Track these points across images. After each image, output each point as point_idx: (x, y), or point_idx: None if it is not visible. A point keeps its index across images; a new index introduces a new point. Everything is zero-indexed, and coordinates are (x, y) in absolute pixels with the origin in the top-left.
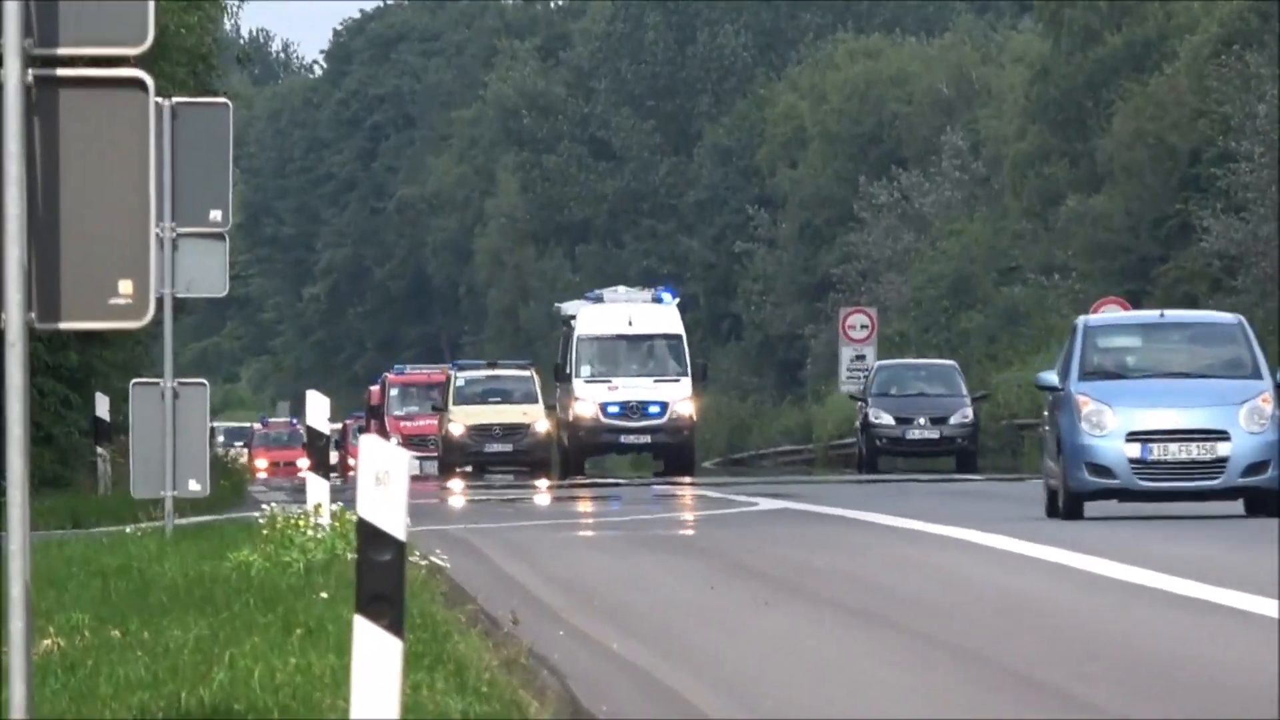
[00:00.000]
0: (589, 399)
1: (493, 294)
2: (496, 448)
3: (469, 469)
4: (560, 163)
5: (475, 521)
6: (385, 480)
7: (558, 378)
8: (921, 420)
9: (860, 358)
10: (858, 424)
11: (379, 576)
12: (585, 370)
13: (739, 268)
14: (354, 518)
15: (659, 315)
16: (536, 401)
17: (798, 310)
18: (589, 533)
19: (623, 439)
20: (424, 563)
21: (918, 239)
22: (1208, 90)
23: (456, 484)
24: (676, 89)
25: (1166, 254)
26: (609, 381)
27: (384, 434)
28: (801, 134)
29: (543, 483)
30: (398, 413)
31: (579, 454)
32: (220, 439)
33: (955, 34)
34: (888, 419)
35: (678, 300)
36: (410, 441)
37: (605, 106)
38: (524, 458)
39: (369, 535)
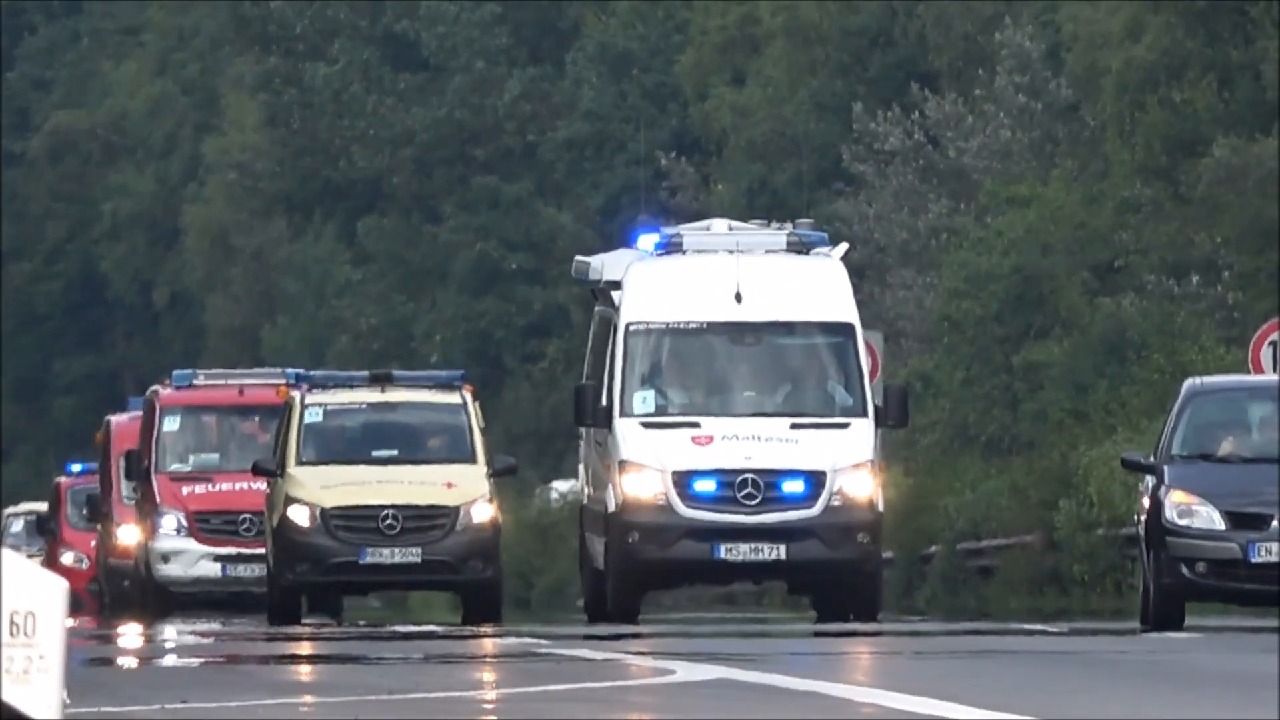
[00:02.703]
0: (650, 462)
1: (215, 302)
2: (386, 556)
3: (329, 594)
4: (332, 76)
5: (214, 694)
6: (25, 629)
7: (581, 415)
8: None
9: None
10: (1138, 522)
11: None
12: (641, 400)
13: None
14: None
15: (802, 280)
16: (473, 459)
17: None
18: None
19: (723, 551)
20: None
21: (953, 212)
22: None
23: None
24: None
25: None
26: (694, 425)
27: (152, 509)
28: (753, 30)
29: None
30: (177, 465)
31: (629, 579)
32: None
33: None
34: (1208, 514)
35: (843, 251)
36: (205, 525)
37: None
38: (445, 578)
39: None
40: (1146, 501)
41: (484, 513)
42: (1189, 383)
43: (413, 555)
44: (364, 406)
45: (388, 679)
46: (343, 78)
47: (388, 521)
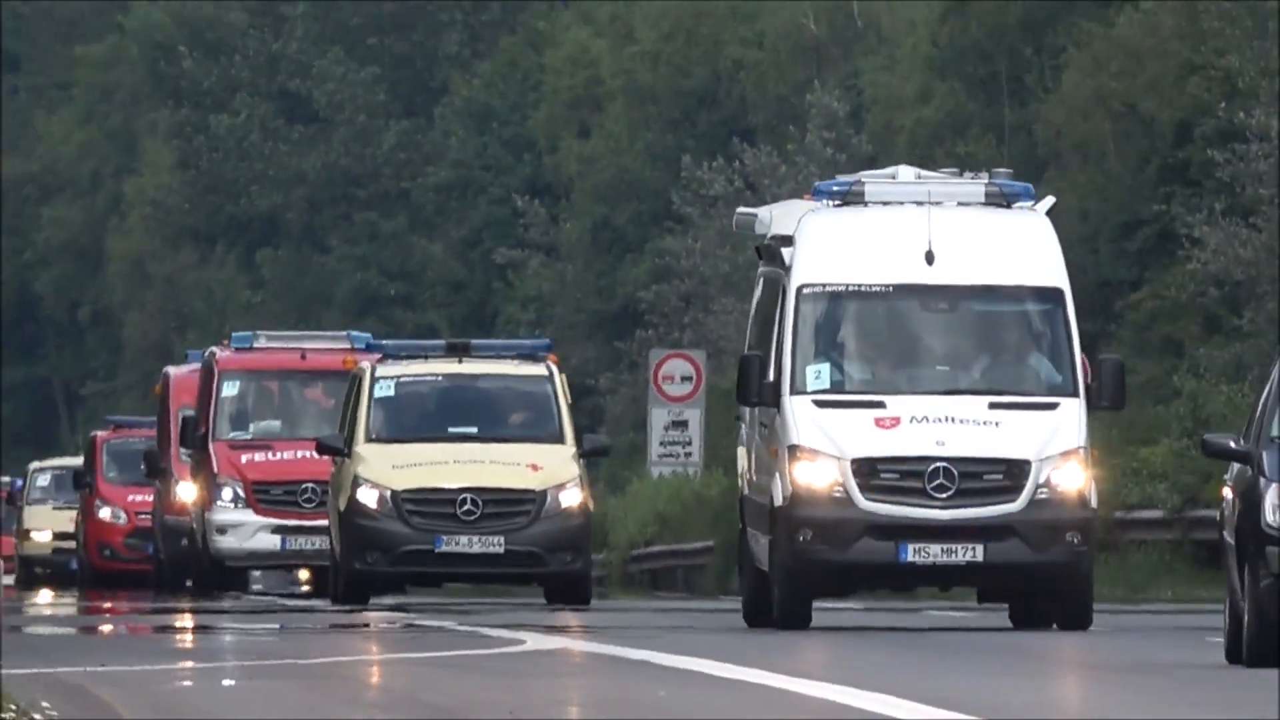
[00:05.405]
0: (825, 447)
1: (132, 320)
2: (464, 545)
3: (395, 584)
4: (235, 126)
5: (132, 658)
6: None
7: (745, 392)
8: None
9: (680, 424)
10: (1223, 524)
11: None
12: (815, 375)
13: (500, 286)
14: None
15: (1004, 238)
16: (560, 438)
17: (586, 352)
18: (280, 679)
19: (910, 552)
20: None
21: None
22: (1203, 35)
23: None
24: (410, 20)
25: (1139, 277)
26: (877, 404)
27: (209, 478)
28: (596, 89)
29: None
30: (236, 433)
31: (799, 583)
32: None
33: None
34: None
35: (1049, 204)
36: (264, 496)
37: (304, 44)
38: (529, 570)
39: None
40: (1235, 499)
41: (573, 498)
42: None
43: (494, 545)
44: (439, 378)
45: (259, 648)
46: (244, 127)
47: (466, 506)
